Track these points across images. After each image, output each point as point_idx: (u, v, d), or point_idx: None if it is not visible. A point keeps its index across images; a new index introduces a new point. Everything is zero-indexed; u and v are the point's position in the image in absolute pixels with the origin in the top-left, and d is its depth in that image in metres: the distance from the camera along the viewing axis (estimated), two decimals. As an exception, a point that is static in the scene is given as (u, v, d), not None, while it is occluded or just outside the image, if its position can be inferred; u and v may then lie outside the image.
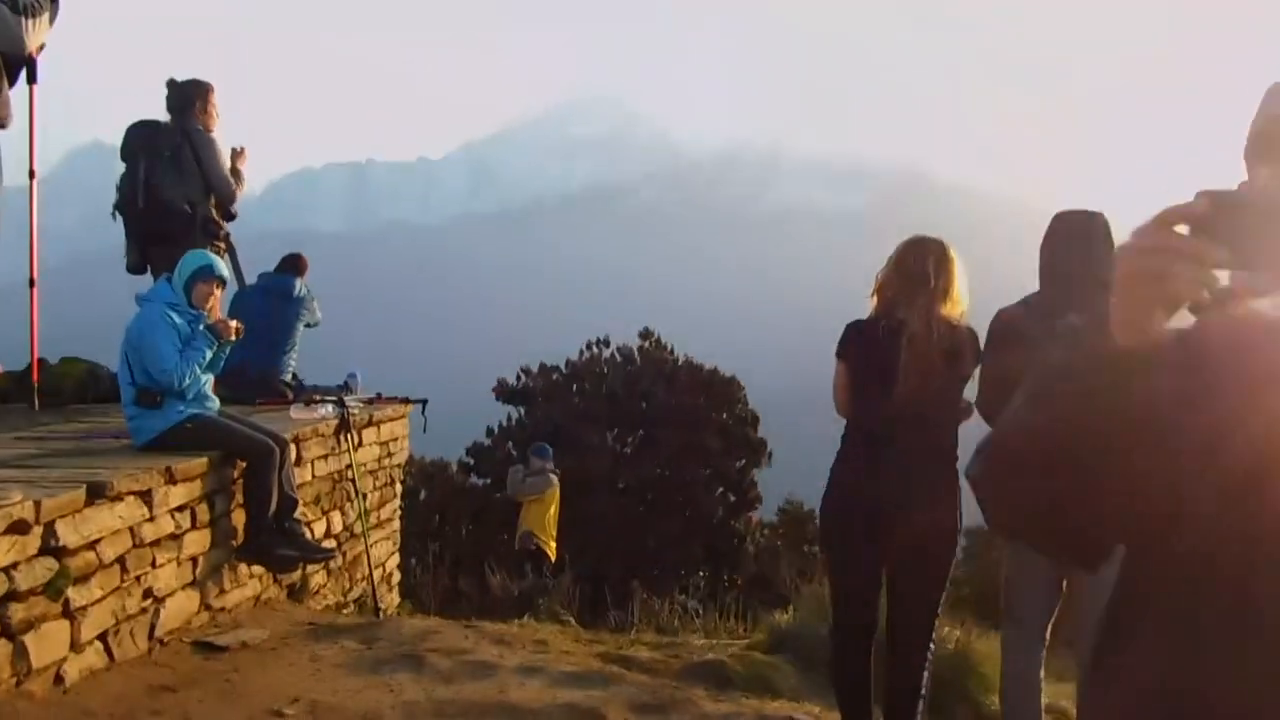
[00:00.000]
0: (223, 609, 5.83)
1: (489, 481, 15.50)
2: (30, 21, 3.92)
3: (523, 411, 16.93)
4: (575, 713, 4.35)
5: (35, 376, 7.60)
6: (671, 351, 17.21)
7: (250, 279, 8.90)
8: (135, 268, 7.32)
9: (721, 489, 15.82)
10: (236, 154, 7.52)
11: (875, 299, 4.26)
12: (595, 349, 17.38)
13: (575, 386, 16.86)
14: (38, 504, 4.20)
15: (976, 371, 4.24)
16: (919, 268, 4.15)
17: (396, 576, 9.29)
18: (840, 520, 4.30)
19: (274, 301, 8.90)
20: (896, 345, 4.06)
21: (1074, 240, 4.16)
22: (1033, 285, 4.40)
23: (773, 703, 4.93)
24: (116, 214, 7.42)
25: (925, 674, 4.14)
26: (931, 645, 4.18)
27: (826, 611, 6.72)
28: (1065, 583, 4.20)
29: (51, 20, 4.05)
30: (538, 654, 5.43)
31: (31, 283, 7.03)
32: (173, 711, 4.25)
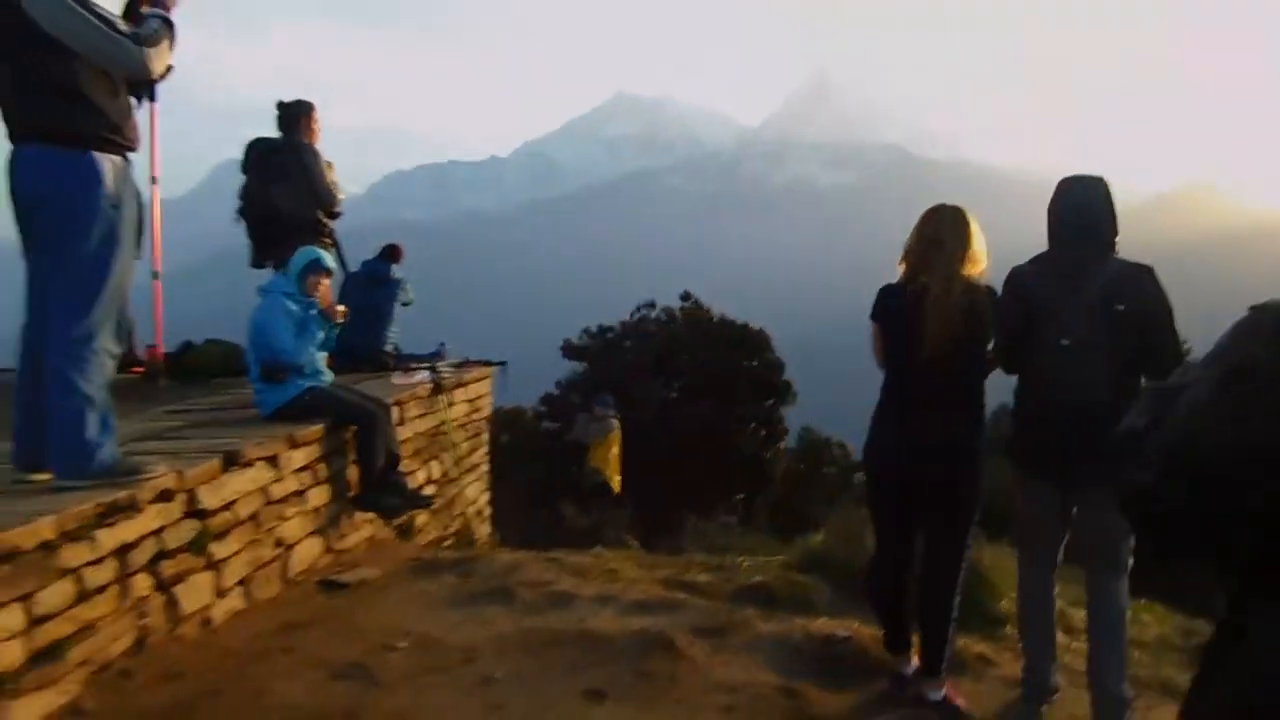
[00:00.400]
0: (343, 550, 5.66)
1: (559, 425, 15.30)
2: (152, 50, 3.66)
3: (585, 366, 16.73)
4: (646, 638, 4.12)
5: (161, 357, 7.46)
6: (708, 311, 16.91)
7: (355, 266, 8.78)
8: (256, 263, 7.13)
9: (753, 424, 15.53)
10: (328, 165, 7.30)
11: (903, 265, 3.96)
12: (643, 311, 17.11)
13: (628, 344, 16.61)
14: (180, 474, 4.03)
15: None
16: (936, 234, 3.86)
17: (487, 511, 9.14)
18: (879, 468, 4.04)
19: (375, 285, 8.83)
20: (921, 306, 3.78)
21: (1080, 203, 3.83)
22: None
23: (815, 621, 4.66)
24: (240, 218, 7.25)
25: (955, 599, 3.88)
26: (960, 573, 3.90)
27: (856, 538, 6.48)
28: (1075, 510, 3.91)
29: (171, 46, 3.80)
30: (610, 583, 5.21)
31: (155, 275, 6.89)
32: (301, 647, 4.06)
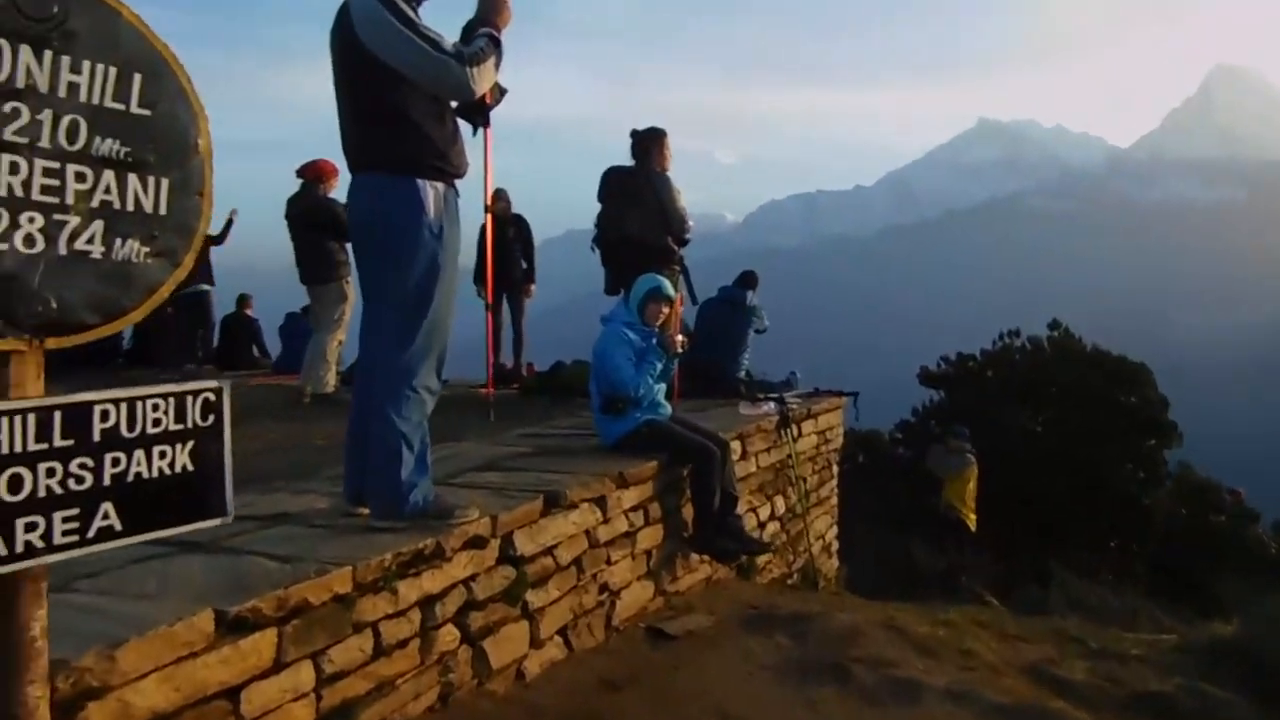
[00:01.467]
0: (676, 593, 5.00)
1: (914, 453, 13.93)
2: (475, 69, 3.14)
3: (942, 394, 15.16)
4: (1015, 769, 3.01)
5: (489, 384, 7.22)
6: (1080, 341, 14.69)
7: (712, 292, 8.31)
8: (611, 290, 6.71)
9: (1129, 465, 13.16)
10: (678, 192, 6.72)
11: None
12: (1007, 339, 15.21)
13: (990, 373, 14.82)
14: (494, 519, 3.50)
15: None
16: None
17: (835, 545, 8.22)
18: None
19: (730, 311, 8.32)
20: None
21: None
22: None
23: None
24: (595, 246, 6.89)
25: None
26: None
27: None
28: None
29: (497, 65, 3.27)
30: (965, 669, 4.09)
31: (487, 307, 6.65)
32: (609, 715, 3.39)
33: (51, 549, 1.73)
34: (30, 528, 1.70)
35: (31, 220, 1.70)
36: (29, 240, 1.69)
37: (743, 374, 8.36)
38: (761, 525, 6.32)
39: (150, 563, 2.86)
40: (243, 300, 12.94)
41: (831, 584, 7.46)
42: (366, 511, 3.46)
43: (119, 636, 2.23)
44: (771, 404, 6.92)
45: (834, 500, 8.23)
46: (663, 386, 5.27)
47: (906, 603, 5.98)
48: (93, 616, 2.39)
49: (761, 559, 6.13)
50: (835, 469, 8.26)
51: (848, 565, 8.57)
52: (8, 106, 1.65)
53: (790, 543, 6.94)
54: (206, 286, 11.13)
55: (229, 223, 11.23)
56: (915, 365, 16.51)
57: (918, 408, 15.37)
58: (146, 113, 1.85)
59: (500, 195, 9.07)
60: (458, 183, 3.49)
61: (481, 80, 3.32)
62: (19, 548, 1.68)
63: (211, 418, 1.96)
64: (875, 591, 7.08)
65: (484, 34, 3.38)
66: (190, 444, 1.92)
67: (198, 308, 11.19)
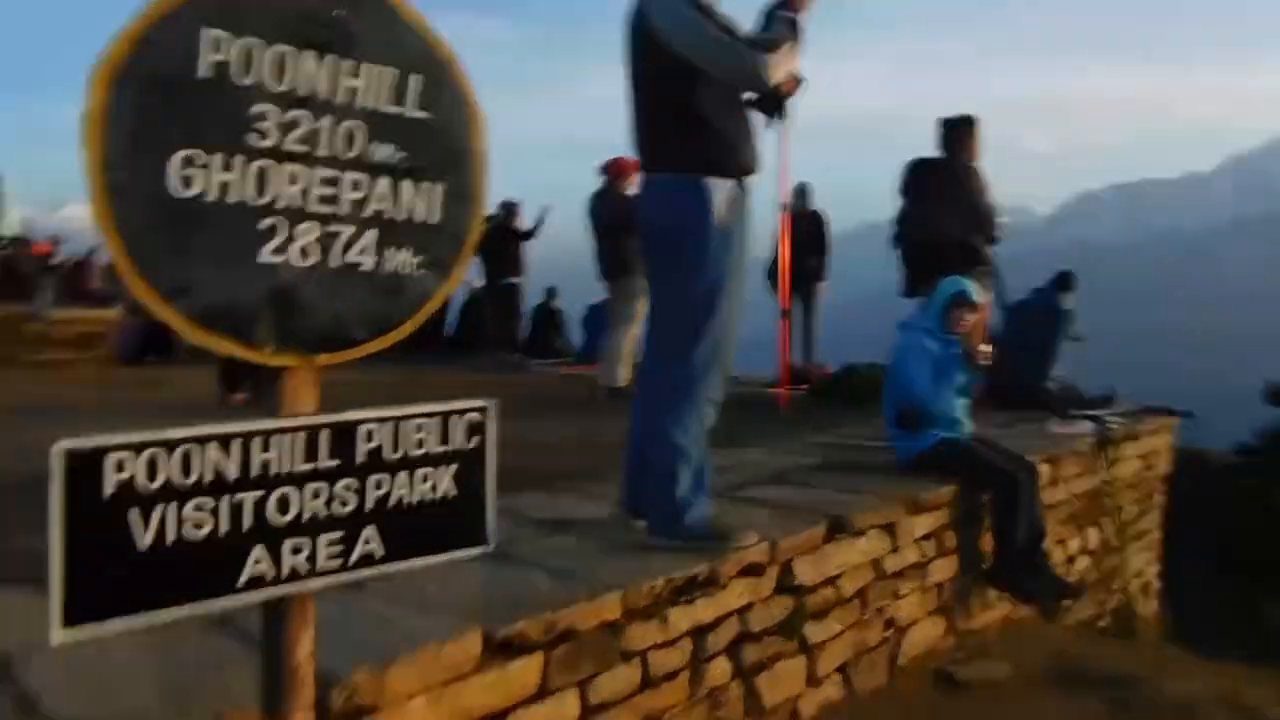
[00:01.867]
0: (970, 632, 4.50)
1: (1260, 483, 12.03)
2: (771, 57, 2.92)
3: (1295, 416, 12.99)
4: None
5: (784, 388, 6.91)
6: None
7: (1022, 294, 7.57)
8: (908, 293, 6.21)
9: None
10: (987, 186, 6.09)
11: None
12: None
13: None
14: (773, 544, 3.24)
15: None
16: None
17: (1156, 585, 7.23)
18: None
19: (1043, 317, 7.54)
20: None
21: None
22: None
23: None
24: (895, 244, 6.41)
25: None
26: None
27: None
28: None
29: (796, 52, 2.96)
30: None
31: (783, 313, 6.28)
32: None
33: (315, 574, 1.67)
34: (296, 550, 1.64)
35: (308, 232, 1.64)
36: (304, 253, 1.63)
37: (1052, 386, 7.57)
38: (1070, 560, 5.63)
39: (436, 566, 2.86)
40: (551, 292, 13.54)
41: (1150, 631, 6.56)
42: (643, 524, 3.31)
43: (392, 652, 2.20)
44: (1087, 423, 6.16)
45: (1156, 534, 7.25)
46: (965, 402, 4.76)
47: (1254, 667, 5.06)
48: (371, 625, 2.38)
49: (1070, 598, 5.44)
50: (1159, 499, 7.26)
51: (1171, 611, 7.51)
52: (289, 115, 1.59)
53: (1103, 580, 6.15)
54: (516, 279, 11.71)
55: (541, 218, 11.70)
56: (1258, 379, 14.37)
57: (1262, 430, 13.31)
58: (423, 116, 1.75)
59: (801, 190, 8.77)
60: (749, 179, 3.25)
61: (777, 69, 3.04)
62: (285, 571, 1.63)
63: (476, 439, 1.84)
64: (1208, 647, 6.10)
65: (783, 19, 3.11)
66: (454, 467, 1.81)
67: (508, 298, 11.80)
